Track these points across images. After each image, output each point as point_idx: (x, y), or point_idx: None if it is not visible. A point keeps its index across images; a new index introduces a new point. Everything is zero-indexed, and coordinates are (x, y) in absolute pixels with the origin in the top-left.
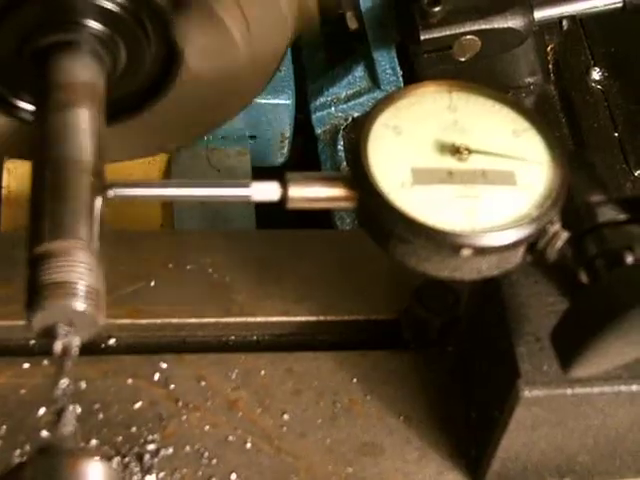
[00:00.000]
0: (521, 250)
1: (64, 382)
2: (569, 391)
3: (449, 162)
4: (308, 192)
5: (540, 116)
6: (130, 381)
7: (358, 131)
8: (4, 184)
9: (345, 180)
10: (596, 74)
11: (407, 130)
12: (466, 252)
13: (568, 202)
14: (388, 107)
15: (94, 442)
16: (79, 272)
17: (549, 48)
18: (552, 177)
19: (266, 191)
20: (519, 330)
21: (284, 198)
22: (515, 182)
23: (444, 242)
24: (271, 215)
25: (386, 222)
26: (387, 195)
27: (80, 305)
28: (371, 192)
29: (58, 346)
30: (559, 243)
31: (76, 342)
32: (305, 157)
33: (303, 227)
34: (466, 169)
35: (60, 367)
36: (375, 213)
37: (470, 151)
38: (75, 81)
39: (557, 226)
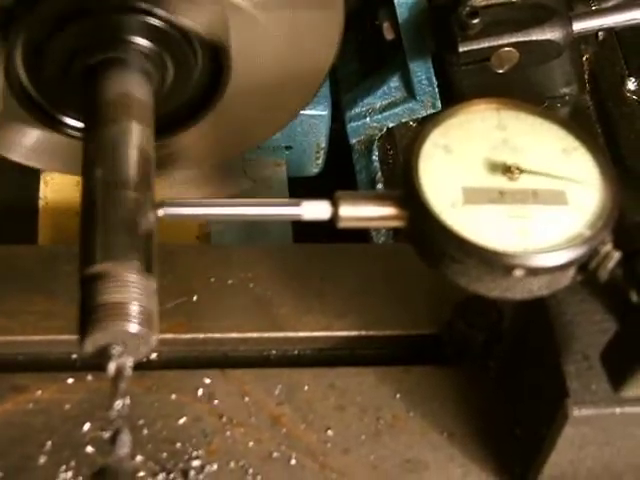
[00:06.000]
0: (572, 270)
1: (118, 403)
2: (618, 410)
3: (500, 181)
4: (358, 211)
5: (589, 134)
6: (174, 396)
7: (408, 150)
8: (41, 195)
9: (395, 199)
10: (631, 84)
11: (457, 149)
12: (518, 273)
13: (618, 221)
14: (437, 126)
15: (139, 458)
16: (131, 293)
17: (584, 58)
18: (603, 196)
19: (317, 210)
20: (567, 349)
21: (335, 217)
22: (566, 202)
23: (496, 263)
24: (306, 225)
25: (438, 242)
26: (438, 215)
27: (133, 327)
28: (422, 212)
29: (112, 367)
30: (611, 264)
31: (129, 363)
32: (340, 167)
33: (338, 238)
34: (517, 189)
35: (114, 388)
36: (426, 233)
37: (521, 170)
38: (124, 98)
39: (609, 246)
